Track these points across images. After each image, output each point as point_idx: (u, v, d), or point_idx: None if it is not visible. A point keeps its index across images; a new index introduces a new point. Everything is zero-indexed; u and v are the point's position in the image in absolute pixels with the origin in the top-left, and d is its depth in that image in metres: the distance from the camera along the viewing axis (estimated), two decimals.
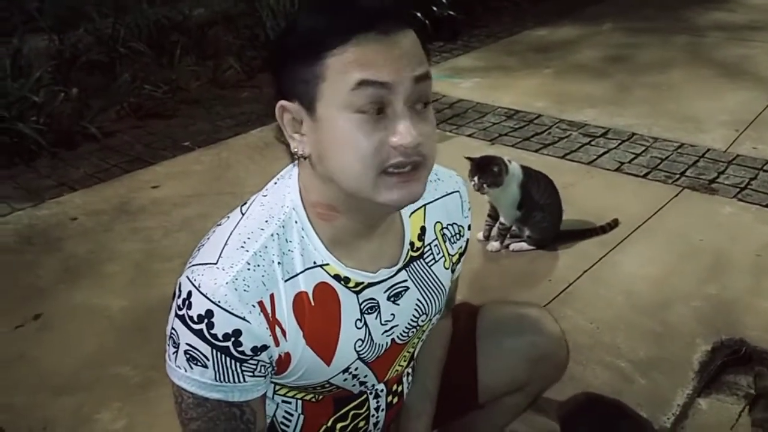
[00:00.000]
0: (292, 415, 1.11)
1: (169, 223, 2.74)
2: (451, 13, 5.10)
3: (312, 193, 0.97)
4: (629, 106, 3.85)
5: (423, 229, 1.10)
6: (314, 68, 0.88)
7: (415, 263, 1.08)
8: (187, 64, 4.32)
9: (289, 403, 1.10)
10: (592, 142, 3.40)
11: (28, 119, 3.32)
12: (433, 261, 1.11)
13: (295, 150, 0.94)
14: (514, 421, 1.54)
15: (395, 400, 1.18)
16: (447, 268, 1.14)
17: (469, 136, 3.52)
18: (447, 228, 1.14)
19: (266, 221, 0.97)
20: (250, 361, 0.94)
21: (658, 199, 2.83)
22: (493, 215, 2.53)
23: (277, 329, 0.95)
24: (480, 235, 2.56)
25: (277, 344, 0.96)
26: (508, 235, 2.54)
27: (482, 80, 4.38)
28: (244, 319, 0.91)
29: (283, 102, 0.92)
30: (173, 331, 0.95)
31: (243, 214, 1.00)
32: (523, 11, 5.88)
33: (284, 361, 0.98)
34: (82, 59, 4.16)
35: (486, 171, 2.35)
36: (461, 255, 1.19)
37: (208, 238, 1.00)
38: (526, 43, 5.15)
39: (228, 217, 1.02)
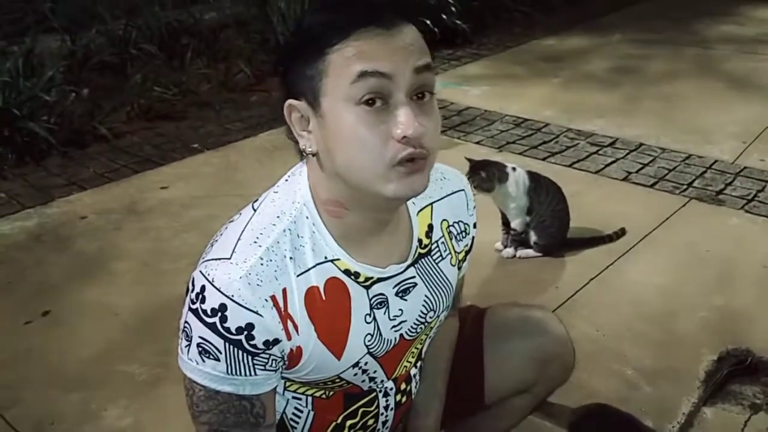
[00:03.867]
0: (302, 411, 1.12)
1: (178, 223, 2.76)
2: (458, 22, 5.12)
3: (321, 190, 0.98)
4: (637, 117, 3.86)
5: (430, 226, 1.11)
6: (317, 64, 0.89)
7: (423, 260, 1.10)
8: (197, 67, 4.36)
9: (300, 399, 1.11)
10: (600, 152, 3.41)
11: (40, 118, 3.35)
12: (440, 258, 1.13)
13: (304, 147, 0.96)
14: (523, 427, 1.55)
15: (404, 399, 1.19)
16: (454, 265, 1.16)
17: (477, 143, 3.53)
18: (453, 226, 1.16)
19: (278, 217, 0.98)
20: (262, 355, 0.95)
21: (665, 209, 2.83)
22: (507, 223, 2.54)
23: (289, 323, 0.96)
24: (498, 245, 2.57)
25: (289, 338, 0.97)
26: (514, 242, 2.55)
27: (491, 88, 4.40)
28: (257, 313, 0.93)
29: (290, 101, 0.94)
30: (186, 325, 0.96)
31: (255, 211, 1.01)
32: (532, 21, 5.91)
33: (296, 355, 0.99)
34: (93, 60, 4.20)
35: (475, 174, 2.38)
36: (467, 252, 1.20)
37: (221, 234, 1.01)
38: (536, 53, 5.17)
39: (240, 213, 1.03)
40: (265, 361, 0.96)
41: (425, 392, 1.25)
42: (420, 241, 1.09)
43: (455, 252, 1.16)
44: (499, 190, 2.42)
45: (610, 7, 6.41)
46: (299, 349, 0.99)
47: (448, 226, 1.15)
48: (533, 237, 2.50)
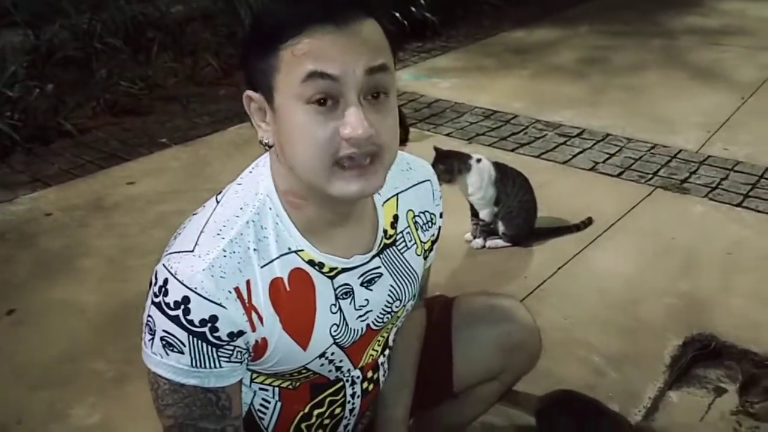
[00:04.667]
0: (269, 402, 1.12)
1: (145, 219, 2.73)
2: (428, 14, 5.13)
3: (281, 181, 0.98)
4: (604, 108, 3.90)
5: (396, 217, 1.12)
6: (270, 60, 0.89)
7: (388, 250, 1.10)
8: (164, 61, 4.31)
9: (266, 390, 1.11)
10: (568, 142, 3.44)
11: (3, 115, 3.29)
12: (406, 248, 1.13)
13: (261, 138, 0.96)
14: (491, 414, 1.57)
15: (371, 387, 1.19)
16: (419, 255, 1.16)
17: (447, 135, 3.54)
18: (419, 216, 1.16)
19: (241, 208, 0.98)
20: (227, 347, 0.95)
21: (631, 198, 2.87)
22: (476, 213, 2.55)
23: (254, 315, 0.96)
24: (468, 235, 2.59)
25: (254, 330, 0.97)
26: (484, 233, 2.57)
27: (460, 80, 4.42)
28: (220, 305, 0.92)
29: (249, 92, 0.95)
30: (149, 318, 0.95)
31: (218, 203, 1.01)
32: (501, 13, 5.93)
33: (261, 347, 0.99)
34: (57, 55, 4.12)
35: (435, 166, 2.39)
36: (434, 242, 1.21)
37: (184, 227, 1.01)
38: (504, 45, 5.20)
39: (204, 206, 1.03)
40: (230, 352, 0.96)
41: (394, 383, 1.25)
42: (385, 231, 1.10)
43: (421, 242, 1.16)
44: (461, 182, 2.44)
45: None
46: (264, 340, 0.99)
47: (414, 217, 1.15)
48: (501, 227, 2.52)
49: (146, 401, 1.03)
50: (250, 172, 1.04)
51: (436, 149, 2.50)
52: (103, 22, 4.40)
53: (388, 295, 1.11)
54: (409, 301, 1.16)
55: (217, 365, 0.96)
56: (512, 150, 3.36)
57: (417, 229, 1.16)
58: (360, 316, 1.08)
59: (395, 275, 1.11)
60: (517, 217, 2.50)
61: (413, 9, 5.07)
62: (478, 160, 2.47)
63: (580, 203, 2.79)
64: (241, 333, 0.95)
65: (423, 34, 5.23)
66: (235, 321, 0.94)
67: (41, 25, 4.29)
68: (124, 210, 2.82)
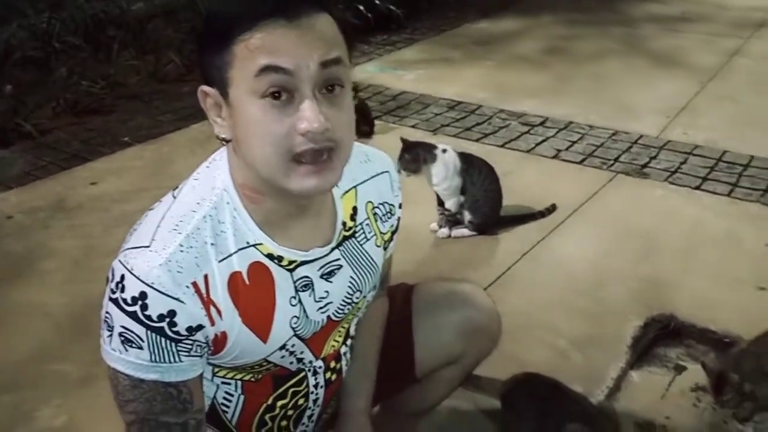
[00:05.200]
0: (232, 395, 1.12)
1: (109, 218, 2.70)
2: (392, 7, 5.13)
3: (239, 176, 0.99)
4: (567, 96, 3.95)
5: (355, 209, 1.13)
6: (223, 55, 0.90)
7: (347, 242, 1.11)
8: (125, 59, 4.26)
9: (229, 384, 1.11)
10: (531, 131, 3.48)
11: None
12: (365, 240, 1.14)
13: (217, 134, 0.96)
14: (457, 399, 1.59)
15: (333, 377, 1.20)
16: (379, 246, 1.17)
17: (412, 126, 3.56)
18: (378, 207, 1.17)
19: (198, 203, 0.98)
20: (186, 341, 0.95)
21: (593, 184, 2.92)
22: (442, 203, 2.57)
23: (212, 309, 0.96)
24: (434, 225, 2.61)
25: (213, 324, 0.97)
26: (450, 223, 2.59)
27: (425, 72, 4.43)
28: (178, 299, 0.93)
29: (204, 87, 0.95)
30: (107, 315, 0.95)
31: (175, 198, 1.01)
32: (466, 4, 5.95)
33: (220, 341, 0.99)
34: (15, 55, 4.05)
35: (401, 156, 2.44)
36: (393, 233, 1.22)
37: (140, 223, 1.01)
38: (469, 36, 5.22)
39: (160, 201, 1.03)
40: (189, 347, 0.96)
41: (356, 373, 1.26)
42: (344, 223, 1.10)
43: (381, 233, 1.17)
44: (427, 172, 2.46)
45: None
46: (224, 334, 0.99)
47: (373, 208, 1.16)
48: (467, 216, 2.54)
49: (112, 402, 1.03)
50: (207, 166, 1.04)
51: (403, 140, 2.52)
52: (63, 20, 4.33)
53: (348, 286, 1.12)
54: (369, 291, 1.17)
55: (177, 360, 0.96)
56: (477, 140, 3.39)
57: (376, 221, 1.17)
58: (320, 308, 1.09)
59: (355, 267, 1.12)
60: (483, 206, 2.53)
61: (377, 2, 5.07)
62: (444, 151, 2.49)
63: (544, 190, 2.83)
64: (200, 327, 0.96)
65: (388, 26, 5.24)
66: (194, 315, 0.95)
67: None
68: (87, 210, 2.79)
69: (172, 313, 0.93)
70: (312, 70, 0.88)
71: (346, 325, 1.19)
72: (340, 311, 1.12)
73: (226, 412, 1.14)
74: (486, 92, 4.02)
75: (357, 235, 1.13)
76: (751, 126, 3.48)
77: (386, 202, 1.19)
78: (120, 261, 0.95)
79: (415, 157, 2.43)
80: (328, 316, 1.10)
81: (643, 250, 2.46)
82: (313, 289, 1.07)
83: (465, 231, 2.57)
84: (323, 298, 1.08)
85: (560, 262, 2.41)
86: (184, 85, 4.16)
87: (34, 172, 3.13)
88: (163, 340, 0.94)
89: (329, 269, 1.08)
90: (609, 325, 2.08)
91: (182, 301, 0.93)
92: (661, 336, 2.05)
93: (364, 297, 1.17)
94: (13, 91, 3.60)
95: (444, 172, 2.47)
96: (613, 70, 4.38)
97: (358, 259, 1.12)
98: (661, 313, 2.11)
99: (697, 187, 2.89)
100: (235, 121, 0.92)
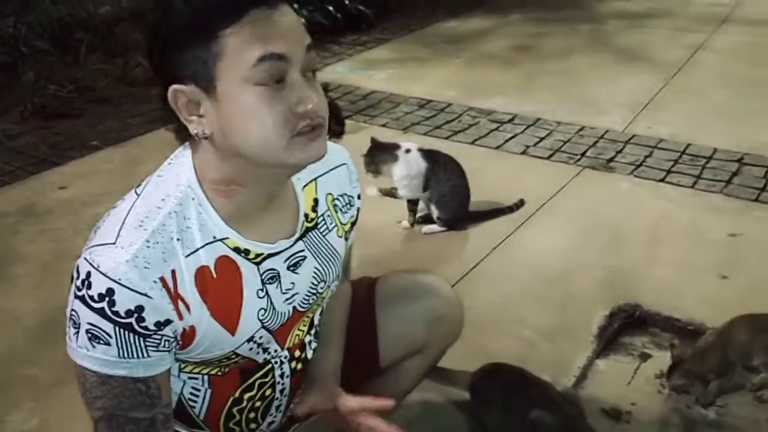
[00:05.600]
0: (198, 390, 1.13)
1: (79, 222, 2.68)
2: (362, 7, 5.16)
3: (211, 171, 0.99)
4: (535, 93, 4.00)
5: (316, 201, 1.15)
6: (210, 48, 0.90)
7: (310, 233, 1.14)
8: (93, 63, 4.23)
9: (196, 379, 1.12)
10: (500, 128, 3.53)
11: None
12: (327, 230, 1.17)
13: (196, 132, 0.95)
14: (428, 392, 1.61)
15: (299, 366, 1.22)
16: (341, 237, 1.20)
17: (383, 125, 3.59)
18: (338, 199, 1.20)
19: (162, 200, 0.99)
20: (154, 336, 0.97)
21: (560, 178, 2.97)
22: (412, 200, 2.61)
23: (180, 303, 0.98)
24: (405, 222, 2.63)
25: (181, 318, 0.98)
26: (420, 219, 2.63)
27: (395, 71, 4.46)
28: (146, 295, 0.94)
29: (176, 86, 0.93)
30: (73, 313, 0.96)
31: (138, 195, 1.02)
32: (435, 4, 5.99)
33: (189, 335, 1.01)
34: None
35: (364, 158, 2.49)
36: (353, 224, 1.25)
37: (104, 221, 1.01)
38: (438, 35, 5.27)
39: (123, 199, 1.03)
40: (158, 342, 0.98)
41: (323, 345, 1.28)
42: (306, 215, 1.13)
43: (341, 224, 1.20)
44: (387, 172, 2.51)
45: None
46: (192, 328, 1.00)
47: (333, 200, 1.19)
48: (436, 212, 2.58)
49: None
50: (169, 164, 1.05)
51: (372, 140, 2.55)
52: (29, 24, 4.29)
53: (313, 277, 1.14)
54: (333, 281, 1.20)
55: (145, 355, 0.97)
56: (447, 138, 3.43)
57: (337, 212, 1.19)
58: (287, 299, 1.11)
59: (319, 257, 1.15)
60: (451, 201, 2.56)
61: (347, 2, 5.09)
62: (407, 151, 2.52)
63: (512, 186, 2.87)
64: (168, 322, 0.97)
65: (358, 26, 5.26)
66: (162, 311, 0.96)
67: None
68: (57, 215, 2.77)
69: (139, 309, 0.94)
70: (300, 55, 0.93)
71: (310, 315, 1.21)
72: (305, 302, 1.14)
73: (194, 407, 1.15)
74: (455, 90, 4.06)
75: (319, 226, 1.15)
76: (715, 119, 3.56)
77: (345, 194, 1.22)
78: (85, 259, 0.95)
79: (373, 159, 2.48)
80: (294, 307, 1.13)
81: (609, 242, 2.51)
82: (279, 281, 1.09)
83: (435, 227, 2.60)
84: (289, 289, 1.11)
85: (528, 255, 2.45)
86: (152, 88, 4.09)
87: (2, 177, 3.10)
88: (131, 335, 0.95)
89: (295, 261, 1.11)
90: (576, 315, 2.12)
91: (150, 297, 0.94)
92: (626, 325, 2.10)
93: (328, 287, 1.19)
94: None
95: (404, 172, 2.50)
96: (580, 66, 4.45)
97: (321, 249, 1.15)
98: (627, 302, 2.16)
99: (662, 180, 2.95)
100: (224, 112, 0.93)
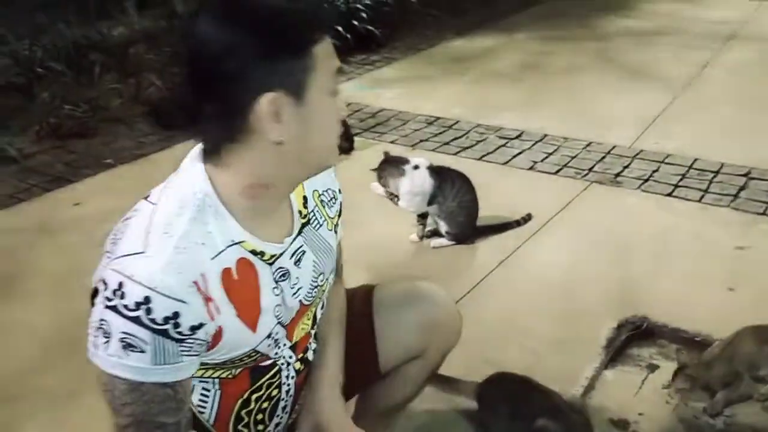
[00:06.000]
0: (208, 394, 1.16)
1: (93, 238, 2.69)
2: (371, 27, 5.23)
3: (246, 177, 1.03)
4: (542, 109, 4.04)
5: (305, 198, 1.21)
6: (305, 60, 0.98)
7: (305, 229, 1.19)
8: (107, 83, 4.31)
9: (206, 383, 1.15)
10: (508, 144, 3.56)
11: None
12: (319, 225, 1.23)
13: (279, 139, 0.99)
14: (436, 402, 1.63)
15: (303, 366, 1.26)
16: (331, 230, 1.26)
17: (392, 142, 3.63)
18: (323, 194, 1.26)
19: (181, 207, 1.02)
20: (188, 341, 0.99)
21: (568, 193, 2.99)
22: (422, 215, 2.64)
23: (211, 305, 1.01)
24: (413, 237, 2.67)
25: (212, 319, 1.02)
26: (429, 233, 2.67)
27: (404, 90, 4.52)
28: (182, 300, 0.96)
29: (270, 94, 0.96)
30: (104, 322, 0.96)
31: (154, 205, 1.04)
32: (442, 24, 6.07)
33: (217, 336, 1.04)
34: None
35: (377, 170, 2.57)
36: (339, 216, 1.30)
37: (123, 232, 1.03)
38: (446, 54, 5.33)
39: (136, 210, 1.06)
40: (191, 346, 1.00)
41: (323, 351, 1.32)
42: (300, 212, 1.18)
43: (330, 218, 1.26)
44: (394, 186, 2.56)
45: (516, 7, 6.65)
46: (220, 329, 1.04)
47: (319, 195, 1.25)
48: (444, 227, 2.61)
49: (99, 414, 1.04)
50: (177, 175, 1.08)
51: (385, 153, 2.60)
52: (44, 47, 4.38)
53: (313, 270, 1.19)
54: (330, 273, 1.25)
55: (179, 360, 0.99)
56: (455, 154, 3.46)
57: (324, 207, 1.25)
58: (294, 294, 1.16)
59: (316, 251, 1.20)
60: (458, 216, 2.59)
61: (356, 23, 5.17)
62: (416, 167, 2.56)
63: (520, 201, 2.90)
64: (201, 325, 1.00)
65: (367, 46, 5.33)
66: (196, 314, 0.99)
67: None
68: (71, 230, 2.82)
69: (176, 315, 0.96)
70: None
71: (313, 309, 1.25)
72: (309, 295, 1.19)
73: (203, 412, 1.17)
74: (463, 108, 4.10)
75: (312, 221, 1.21)
76: (722, 135, 3.58)
77: (329, 189, 1.27)
78: (114, 270, 0.97)
79: (382, 173, 2.53)
80: (300, 301, 1.17)
81: (616, 255, 2.53)
82: (289, 277, 1.14)
83: (443, 241, 2.63)
84: (296, 284, 1.15)
85: (536, 268, 2.47)
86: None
87: (18, 194, 3.16)
88: (167, 341, 0.97)
89: (298, 256, 1.16)
90: (584, 327, 2.14)
91: (186, 302, 0.97)
92: (634, 337, 2.11)
93: (327, 279, 1.24)
94: None
95: (408, 187, 2.54)
96: (587, 83, 4.48)
97: (317, 243, 1.21)
98: (634, 314, 2.17)
99: (669, 194, 2.97)
100: (309, 119, 1.00)
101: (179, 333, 0.97)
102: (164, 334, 0.96)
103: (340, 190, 1.30)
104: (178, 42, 4.51)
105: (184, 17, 4.56)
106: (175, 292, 0.96)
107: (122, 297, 0.95)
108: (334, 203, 1.28)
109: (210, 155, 1.05)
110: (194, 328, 0.99)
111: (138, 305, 0.94)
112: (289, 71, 0.97)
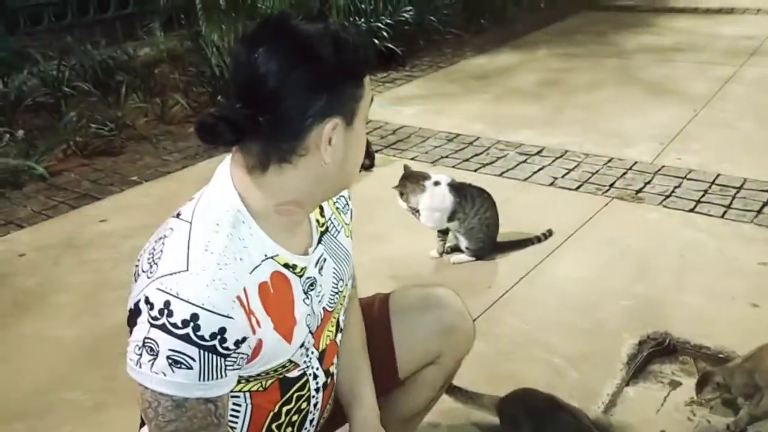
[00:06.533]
0: (239, 408, 1.17)
1: (118, 254, 2.78)
2: (391, 46, 5.29)
3: (285, 194, 1.06)
4: (562, 126, 4.05)
5: (321, 207, 1.23)
6: (359, 89, 1.06)
7: (324, 237, 1.22)
8: (133, 102, 4.39)
9: (237, 397, 1.16)
10: (528, 160, 3.57)
11: None
12: (337, 232, 1.26)
13: (328, 161, 1.05)
14: (458, 417, 1.63)
15: (329, 380, 1.28)
16: (348, 236, 1.29)
17: (412, 159, 3.65)
18: (337, 201, 1.29)
19: (217, 224, 1.04)
20: (233, 355, 1.01)
21: (589, 209, 2.99)
22: (443, 231, 2.66)
23: (253, 319, 1.04)
24: (434, 252, 2.68)
25: (254, 333, 1.04)
26: (449, 249, 2.68)
27: (424, 107, 4.55)
28: (228, 316, 0.99)
29: (334, 119, 1.03)
30: (150, 341, 0.98)
31: (189, 223, 1.05)
32: (463, 42, 6.12)
33: (257, 348, 1.06)
34: (27, 101, 4.19)
35: (398, 187, 2.60)
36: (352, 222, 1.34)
37: (161, 251, 1.03)
38: (466, 71, 5.36)
39: (171, 229, 1.06)
40: (235, 360, 1.03)
41: (352, 377, 1.34)
42: (318, 221, 1.21)
43: (346, 224, 1.29)
44: (414, 201, 2.57)
45: (535, 25, 6.68)
46: (260, 342, 1.06)
47: (334, 203, 1.28)
48: (464, 242, 2.61)
49: (124, 427, 1.06)
50: (203, 193, 1.10)
51: (405, 168, 2.63)
52: (72, 67, 4.49)
53: (333, 276, 1.22)
54: (348, 280, 1.28)
55: (223, 375, 1.01)
56: (475, 170, 3.48)
57: (339, 213, 1.28)
58: (319, 301, 1.19)
59: (335, 258, 1.23)
60: (479, 233, 2.59)
61: (376, 41, 5.23)
62: (436, 183, 2.57)
63: (540, 217, 2.90)
64: (245, 339, 1.02)
65: (388, 64, 5.38)
66: (241, 328, 1.01)
67: (10, 73, 4.37)
68: (97, 246, 2.87)
69: (222, 330, 0.98)
70: None
71: (336, 315, 1.28)
72: (332, 301, 1.22)
73: (234, 427, 1.18)
74: (483, 124, 4.12)
75: (330, 229, 1.24)
76: (744, 150, 3.56)
77: (342, 196, 1.30)
78: (158, 289, 0.98)
79: (403, 189, 2.55)
80: (324, 308, 1.20)
81: (638, 271, 2.52)
82: (315, 286, 1.17)
83: (463, 257, 2.64)
84: (320, 292, 1.19)
85: (557, 284, 2.46)
86: (189, 125, 4.28)
87: (45, 211, 3.23)
88: (214, 357, 0.99)
89: (320, 265, 1.19)
90: (604, 342, 2.13)
91: (231, 317, 0.99)
92: (656, 353, 2.10)
93: (346, 285, 1.27)
94: (25, 136, 3.73)
95: (428, 203, 2.56)
96: (607, 99, 4.48)
97: (336, 250, 1.24)
98: (656, 330, 2.16)
99: (691, 210, 2.95)
100: (352, 142, 1.08)
101: (225, 348, 0.99)
102: (212, 350, 0.98)
103: (350, 197, 1.34)
104: (230, 65, 4.58)
105: (207, 37, 4.62)
106: (221, 308, 0.98)
107: (170, 315, 0.97)
108: (347, 209, 1.32)
109: (252, 171, 1.06)
110: (239, 343, 1.01)
111: (185, 323, 0.96)
112: (348, 99, 1.04)
